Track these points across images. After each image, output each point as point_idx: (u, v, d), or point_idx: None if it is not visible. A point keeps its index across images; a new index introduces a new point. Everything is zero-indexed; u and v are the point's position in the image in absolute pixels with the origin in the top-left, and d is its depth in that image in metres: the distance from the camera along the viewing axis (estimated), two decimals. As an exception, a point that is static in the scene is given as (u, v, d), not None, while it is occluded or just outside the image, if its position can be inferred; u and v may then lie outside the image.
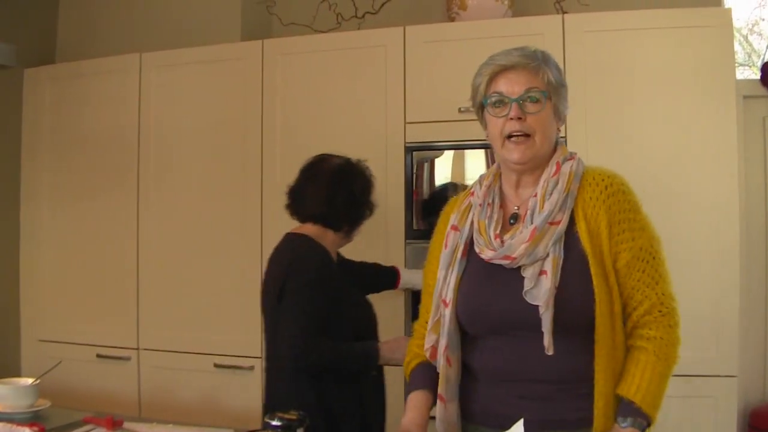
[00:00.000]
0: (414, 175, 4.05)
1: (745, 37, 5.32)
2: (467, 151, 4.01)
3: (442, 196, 3.88)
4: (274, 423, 2.40)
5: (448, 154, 4.06)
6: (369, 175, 3.38)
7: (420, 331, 2.57)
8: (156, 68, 4.66)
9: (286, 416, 2.42)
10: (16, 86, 5.03)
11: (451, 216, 2.49)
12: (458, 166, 4.06)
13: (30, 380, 3.07)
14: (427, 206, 4.03)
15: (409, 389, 2.49)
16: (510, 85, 2.31)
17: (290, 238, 3.29)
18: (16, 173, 5.05)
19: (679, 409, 3.52)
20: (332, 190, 3.27)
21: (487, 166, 3.94)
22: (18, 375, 4.29)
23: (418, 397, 2.44)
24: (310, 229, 3.28)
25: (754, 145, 4.31)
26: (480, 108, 2.43)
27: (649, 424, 2.17)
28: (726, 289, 3.60)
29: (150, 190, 4.63)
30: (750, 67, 5.32)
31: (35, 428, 2.58)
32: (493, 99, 2.34)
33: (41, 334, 4.91)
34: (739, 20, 4.98)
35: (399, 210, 4.02)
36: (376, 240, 3.93)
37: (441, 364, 2.38)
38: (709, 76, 3.66)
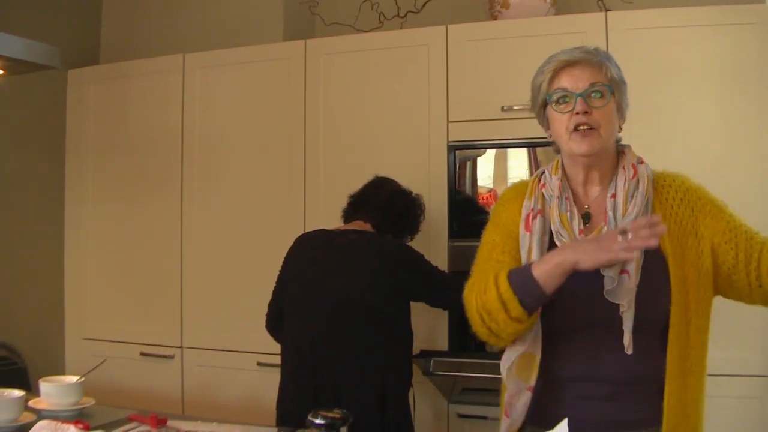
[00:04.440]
0: (456, 174, 4.03)
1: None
2: (510, 150, 3.99)
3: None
4: (318, 421, 2.38)
5: (491, 153, 4.05)
6: (423, 204, 3.78)
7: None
8: (199, 69, 4.68)
9: (330, 414, 2.40)
10: (60, 87, 5.09)
11: (524, 202, 2.42)
12: (501, 164, 4.04)
13: (75, 378, 3.08)
14: (470, 205, 4.01)
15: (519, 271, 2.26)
16: (574, 81, 2.28)
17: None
18: (60, 173, 5.09)
19: (725, 409, 3.48)
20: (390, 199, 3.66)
21: (529, 165, 3.93)
22: (62, 373, 4.31)
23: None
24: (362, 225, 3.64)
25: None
26: (542, 107, 2.39)
27: None
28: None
29: (194, 189, 4.66)
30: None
31: (80, 426, 2.58)
32: (557, 95, 2.31)
33: (85, 332, 4.95)
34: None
35: (441, 209, 4.01)
36: (418, 239, 3.93)
37: (537, 356, 2.29)
38: (755, 74, 3.61)
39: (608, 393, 2.24)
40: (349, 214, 3.71)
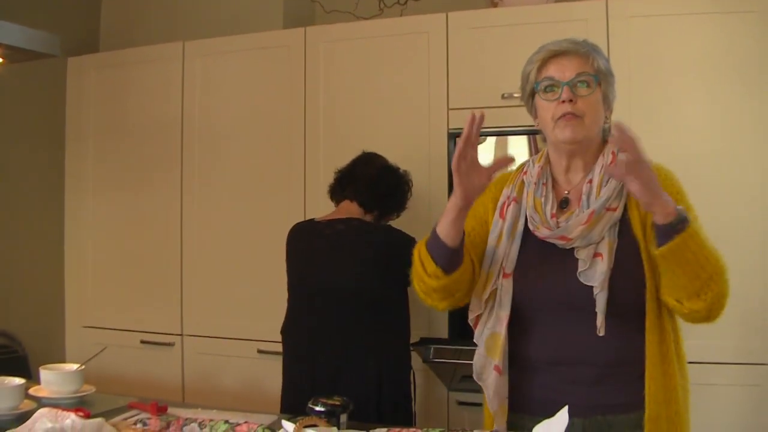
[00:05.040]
0: (457, 162, 4.03)
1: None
2: (510, 138, 3.99)
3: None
4: (318, 408, 2.39)
5: (491, 141, 4.04)
6: (410, 180, 3.75)
7: None
8: (199, 56, 4.68)
9: (330, 402, 2.41)
10: (59, 75, 5.08)
11: (503, 190, 2.50)
12: (501, 152, 4.03)
13: (75, 366, 3.07)
14: (470, 193, 4.01)
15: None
16: (561, 70, 2.33)
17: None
18: (60, 161, 5.09)
19: (727, 396, 3.51)
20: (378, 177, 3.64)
21: (530, 153, 3.93)
22: (63, 361, 4.31)
23: None
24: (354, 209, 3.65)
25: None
26: (530, 95, 2.43)
27: (684, 224, 2.07)
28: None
29: (194, 177, 4.66)
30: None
31: (80, 413, 2.57)
32: (545, 84, 2.35)
33: (85, 320, 4.95)
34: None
35: (442, 197, 3.99)
36: (419, 226, 3.92)
37: (501, 334, 2.35)
38: (757, 63, 3.60)
39: (594, 377, 2.27)
40: (336, 191, 3.72)
